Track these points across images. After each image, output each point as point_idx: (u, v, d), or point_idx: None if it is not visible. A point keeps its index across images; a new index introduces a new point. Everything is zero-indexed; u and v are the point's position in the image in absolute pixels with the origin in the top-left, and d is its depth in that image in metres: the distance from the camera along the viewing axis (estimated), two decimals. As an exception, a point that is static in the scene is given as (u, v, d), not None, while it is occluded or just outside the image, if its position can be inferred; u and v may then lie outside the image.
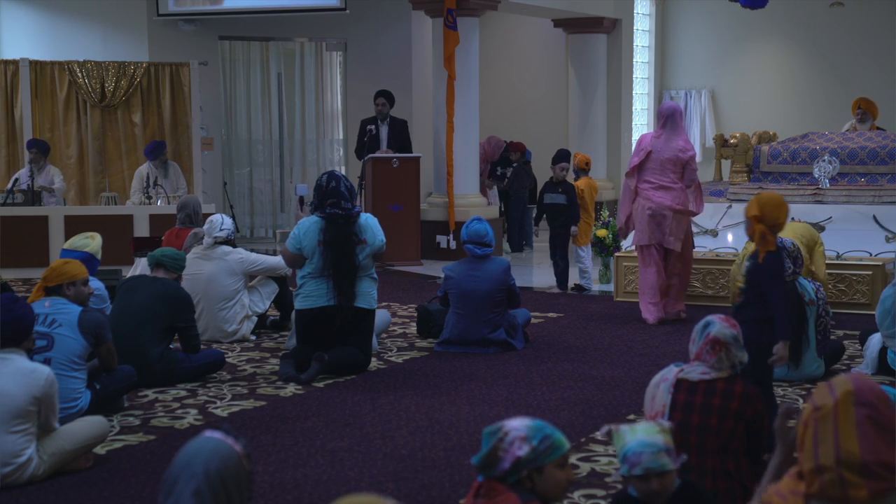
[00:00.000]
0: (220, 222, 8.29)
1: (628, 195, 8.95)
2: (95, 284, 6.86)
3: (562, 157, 11.08)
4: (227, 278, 8.16)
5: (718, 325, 4.34)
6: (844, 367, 7.23)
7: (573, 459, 5.18)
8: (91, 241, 7.13)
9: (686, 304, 9.10)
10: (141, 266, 8.44)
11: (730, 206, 10.79)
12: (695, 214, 9.03)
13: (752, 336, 4.84)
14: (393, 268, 12.17)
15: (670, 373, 4.37)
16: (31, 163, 12.10)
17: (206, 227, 8.37)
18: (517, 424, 3.31)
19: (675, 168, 8.73)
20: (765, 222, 5.11)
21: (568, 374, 7.12)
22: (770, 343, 5.15)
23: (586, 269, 10.59)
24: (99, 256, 7.13)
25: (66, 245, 7.23)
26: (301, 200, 8.94)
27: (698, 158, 11.31)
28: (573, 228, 10.41)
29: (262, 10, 14.10)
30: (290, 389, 6.75)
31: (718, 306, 8.67)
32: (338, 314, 7.08)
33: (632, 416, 6.01)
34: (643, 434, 3.58)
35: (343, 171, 14.54)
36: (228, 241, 8.30)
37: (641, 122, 17.82)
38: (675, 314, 8.87)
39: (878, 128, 12.42)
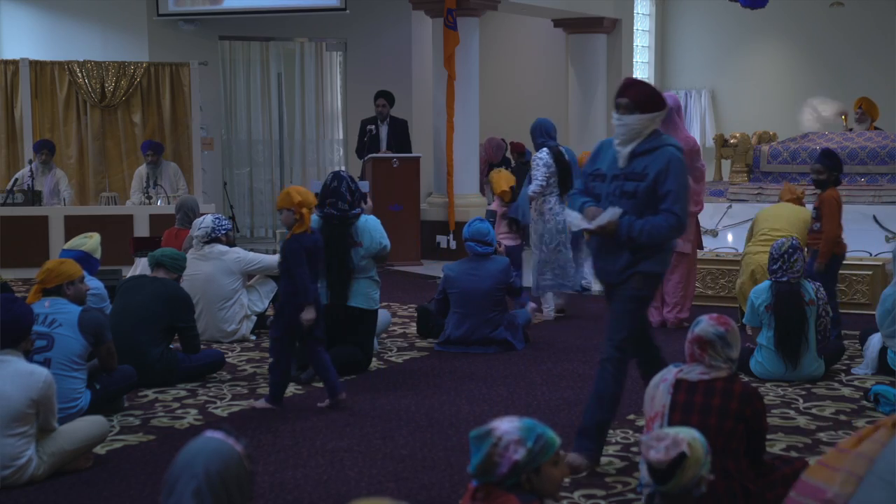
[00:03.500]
0: (200, 222, 8.31)
1: None
2: (95, 284, 6.87)
3: None
4: (225, 278, 8.16)
5: (703, 323, 4.35)
6: (844, 368, 7.22)
7: (573, 459, 5.19)
8: (88, 240, 7.12)
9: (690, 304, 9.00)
10: (141, 266, 8.45)
11: (730, 206, 10.80)
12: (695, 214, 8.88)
13: (283, 305, 6.17)
14: (393, 268, 12.17)
15: (669, 373, 4.38)
16: (42, 164, 12.09)
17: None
18: (508, 427, 3.26)
19: None
20: (306, 206, 6.10)
21: (568, 374, 7.12)
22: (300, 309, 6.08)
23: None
24: (97, 255, 7.11)
25: (67, 245, 7.22)
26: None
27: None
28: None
29: (262, 10, 14.10)
30: (290, 389, 6.75)
31: (718, 306, 8.66)
32: (329, 313, 7.08)
33: (631, 416, 6.01)
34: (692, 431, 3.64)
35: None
36: (226, 241, 8.29)
37: (641, 123, 17.79)
38: (678, 322, 8.53)
39: (876, 128, 12.45)
